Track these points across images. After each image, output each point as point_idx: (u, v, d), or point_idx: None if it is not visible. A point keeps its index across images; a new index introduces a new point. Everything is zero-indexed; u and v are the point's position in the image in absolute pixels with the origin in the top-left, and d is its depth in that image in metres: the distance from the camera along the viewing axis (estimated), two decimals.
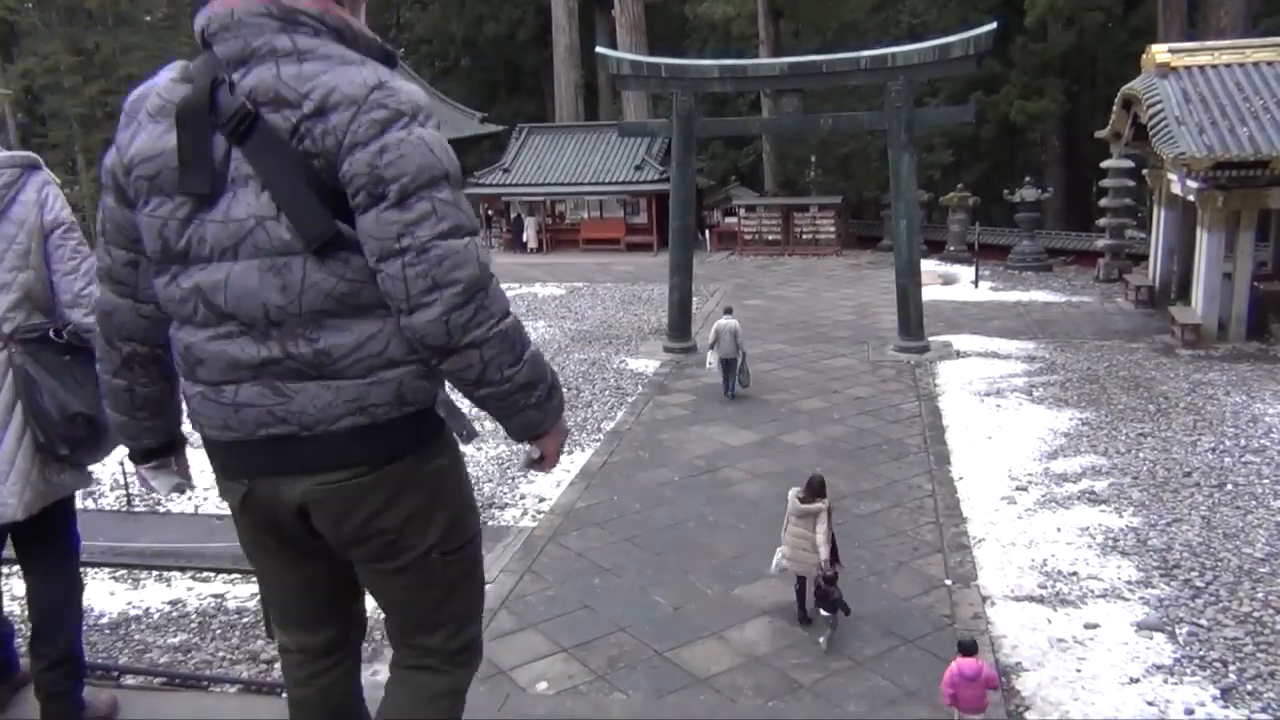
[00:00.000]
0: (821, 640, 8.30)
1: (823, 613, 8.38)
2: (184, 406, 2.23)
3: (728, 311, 16.34)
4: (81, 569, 3.58)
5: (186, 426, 2.38)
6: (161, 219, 2.02)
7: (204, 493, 13.25)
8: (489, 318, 1.97)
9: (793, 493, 8.85)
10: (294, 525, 2.15)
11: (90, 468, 3.33)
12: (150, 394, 2.27)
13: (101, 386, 2.31)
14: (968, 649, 6.82)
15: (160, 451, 2.38)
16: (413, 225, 1.89)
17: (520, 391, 2.05)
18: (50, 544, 3.29)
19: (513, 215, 33.93)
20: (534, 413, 2.10)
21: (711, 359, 15.97)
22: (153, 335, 2.19)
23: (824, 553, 8.43)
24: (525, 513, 11.59)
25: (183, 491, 2.48)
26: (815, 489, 8.69)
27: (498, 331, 1.99)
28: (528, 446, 2.22)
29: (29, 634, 3.32)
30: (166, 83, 2.05)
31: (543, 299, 25.49)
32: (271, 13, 1.95)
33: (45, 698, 3.28)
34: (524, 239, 33.33)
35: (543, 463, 2.26)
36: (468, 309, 1.94)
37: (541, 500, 11.85)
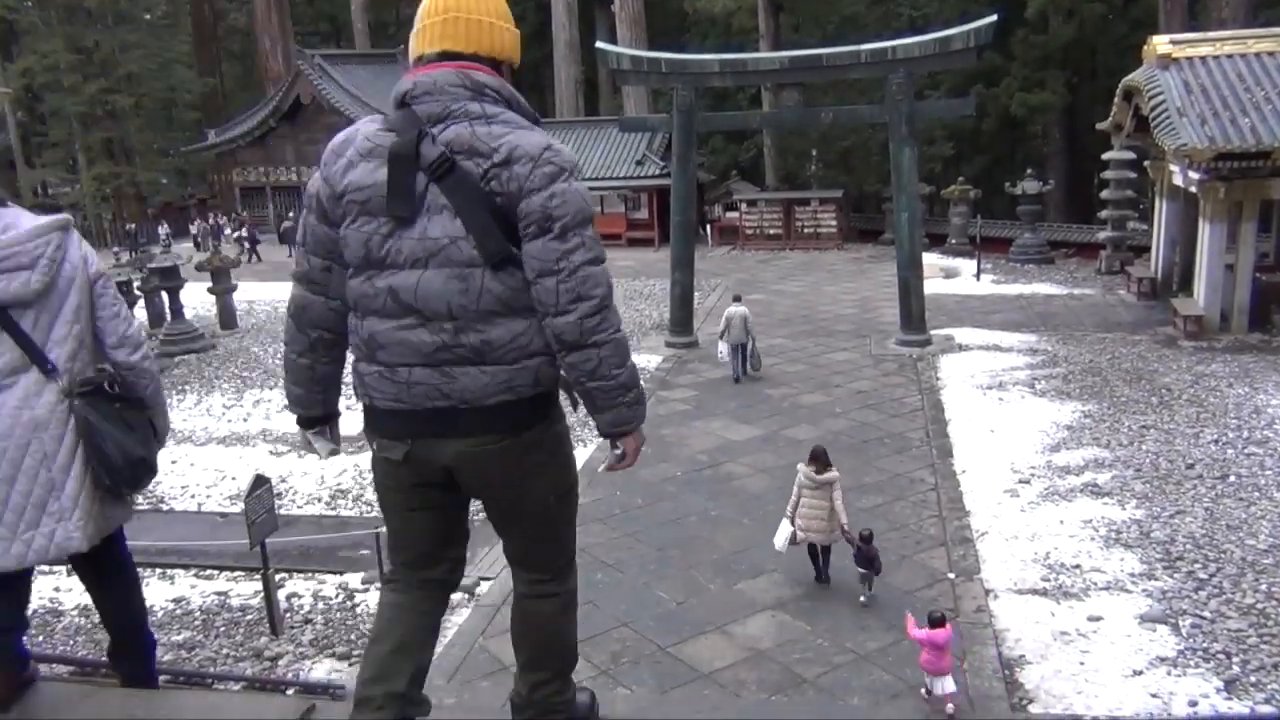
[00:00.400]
0: (863, 598, 8.87)
1: (860, 570, 8.89)
2: (358, 383, 2.77)
3: (737, 299, 16.94)
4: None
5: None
6: (368, 234, 2.60)
7: (207, 490, 13.27)
8: (609, 327, 2.63)
9: (802, 468, 9.14)
10: (440, 478, 2.76)
11: (132, 499, 3.69)
12: (327, 372, 2.89)
13: (286, 365, 2.93)
14: (937, 622, 7.04)
15: (323, 420, 2.99)
16: (569, 253, 2.54)
17: (620, 389, 2.69)
18: (113, 566, 3.67)
19: None
20: (625, 410, 2.73)
21: (722, 346, 16.64)
22: (337, 325, 2.79)
23: (844, 517, 9.00)
24: None
25: (335, 454, 3.12)
26: (824, 459, 9.14)
27: (614, 339, 2.65)
28: (614, 448, 2.83)
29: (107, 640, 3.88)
30: (373, 130, 2.64)
31: None
32: (465, 84, 2.58)
33: (124, 678, 3.78)
34: None
35: (623, 459, 2.85)
36: (596, 317, 2.59)
37: None
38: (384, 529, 10.59)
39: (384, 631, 2.87)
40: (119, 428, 3.31)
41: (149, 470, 3.44)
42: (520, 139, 2.52)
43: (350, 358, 2.87)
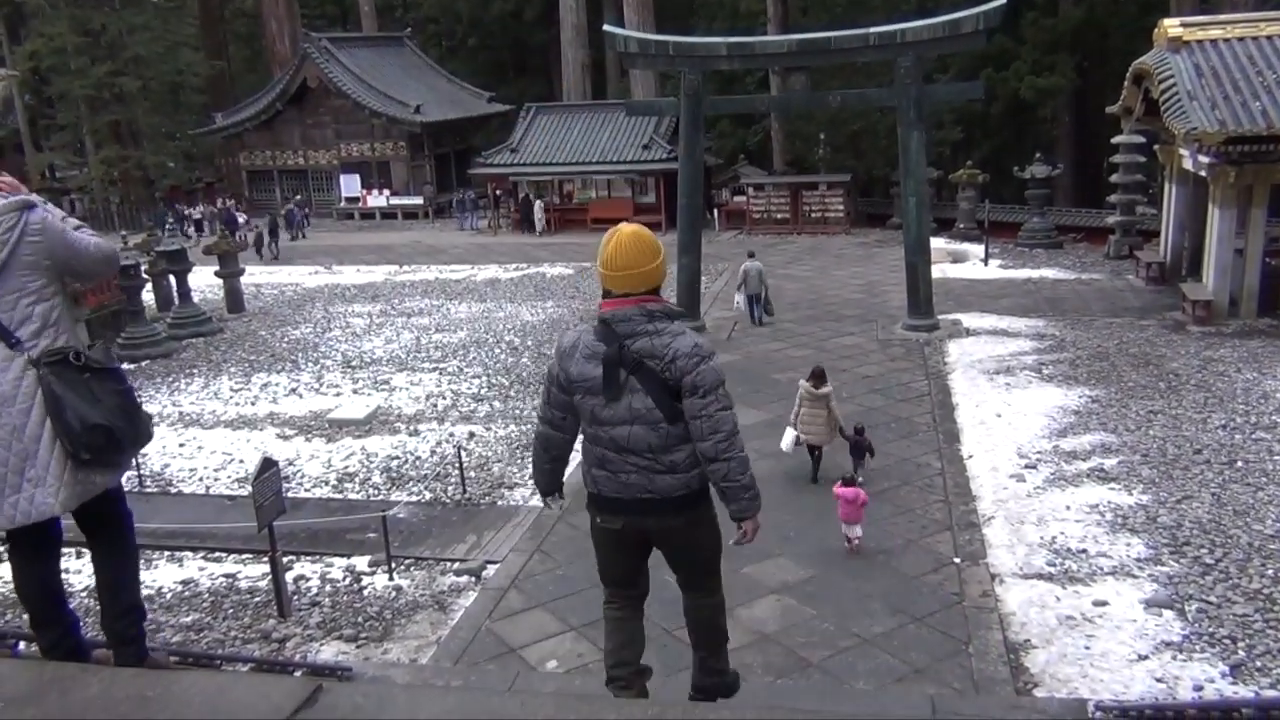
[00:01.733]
0: (860, 479, 10.54)
1: (853, 458, 11.17)
2: (589, 479, 4.31)
3: (751, 255, 19.72)
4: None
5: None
6: (592, 404, 4.16)
7: (215, 473, 13.32)
8: (735, 448, 4.11)
9: (803, 384, 11.44)
10: (641, 539, 4.37)
11: (121, 467, 3.78)
12: (559, 471, 4.59)
13: (536, 468, 4.63)
14: (849, 483, 9.76)
15: (556, 492, 4.64)
16: (708, 405, 4.04)
17: (742, 489, 4.17)
18: (107, 526, 3.79)
19: (521, 195, 33.86)
20: (745, 502, 4.20)
21: (739, 297, 19.40)
22: (567, 447, 4.48)
23: (841, 422, 11.38)
24: (535, 492, 11.61)
25: (559, 510, 4.87)
26: (821, 376, 11.45)
27: (738, 456, 4.12)
28: (739, 528, 4.26)
29: (99, 600, 3.92)
30: (589, 340, 4.17)
31: (551, 279, 25.49)
32: (643, 314, 4.07)
33: (116, 643, 3.83)
34: (533, 220, 33.27)
35: (745, 537, 4.30)
36: (725, 442, 4.09)
37: None
38: (390, 513, 10.64)
39: (615, 632, 4.54)
40: (83, 397, 3.43)
41: (110, 439, 3.48)
42: (679, 344, 4.04)
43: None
